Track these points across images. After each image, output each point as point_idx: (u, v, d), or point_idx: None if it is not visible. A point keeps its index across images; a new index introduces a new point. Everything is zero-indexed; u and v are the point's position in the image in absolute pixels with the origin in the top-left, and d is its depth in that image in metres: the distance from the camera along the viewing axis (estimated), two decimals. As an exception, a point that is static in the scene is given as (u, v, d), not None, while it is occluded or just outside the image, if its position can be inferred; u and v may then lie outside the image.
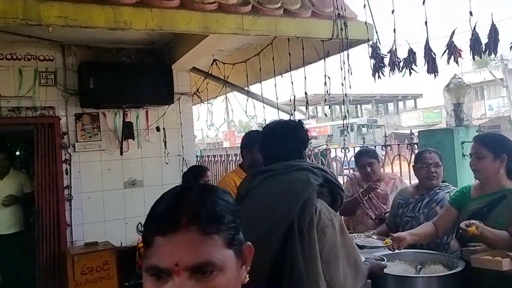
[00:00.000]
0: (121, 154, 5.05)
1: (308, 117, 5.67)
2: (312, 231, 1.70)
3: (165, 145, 5.23)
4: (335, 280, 1.70)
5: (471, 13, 2.45)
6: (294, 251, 1.66)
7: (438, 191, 3.01)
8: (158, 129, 5.20)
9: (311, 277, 1.65)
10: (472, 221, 2.26)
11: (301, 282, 1.64)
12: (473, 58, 2.56)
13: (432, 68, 2.78)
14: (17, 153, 6.91)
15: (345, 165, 4.33)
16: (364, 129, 21.26)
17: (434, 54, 2.77)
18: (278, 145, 1.93)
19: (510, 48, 2.38)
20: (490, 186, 2.49)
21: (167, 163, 5.21)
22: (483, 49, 2.51)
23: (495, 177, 2.45)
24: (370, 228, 3.40)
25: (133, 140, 5.07)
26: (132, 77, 4.77)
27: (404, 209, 3.15)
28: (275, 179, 1.85)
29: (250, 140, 3.28)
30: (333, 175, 1.94)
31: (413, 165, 3.23)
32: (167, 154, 5.23)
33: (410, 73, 3.05)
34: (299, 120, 2.05)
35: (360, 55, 3.88)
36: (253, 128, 6.24)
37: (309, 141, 2.04)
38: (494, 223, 2.35)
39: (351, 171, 4.16)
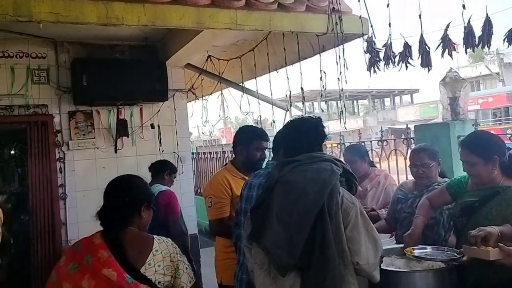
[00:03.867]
0: (116, 151, 5.01)
1: (305, 113, 5.64)
2: (338, 213, 1.99)
3: (160, 142, 5.19)
4: (359, 254, 1.98)
5: (464, 6, 2.43)
6: (325, 230, 1.95)
7: (436, 187, 2.98)
8: (152, 126, 5.16)
9: (338, 251, 1.96)
10: (481, 233, 2.16)
11: (331, 254, 1.93)
12: (466, 52, 2.54)
13: (426, 61, 2.75)
14: (12, 152, 6.86)
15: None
16: None
17: (428, 48, 2.75)
18: (302, 138, 2.19)
19: (503, 40, 2.36)
20: (485, 184, 2.50)
21: (162, 160, 5.18)
22: (477, 42, 2.49)
23: (490, 178, 2.45)
24: None
25: (128, 137, 5.03)
26: (126, 74, 4.73)
27: (402, 204, 3.13)
28: (303, 168, 2.10)
29: (245, 136, 3.18)
30: (349, 166, 2.22)
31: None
32: (162, 151, 5.19)
33: (407, 67, 3.03)
34: (319, 117, 2.29)
35: (356, 49, 3.86)
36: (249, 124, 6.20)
37: (326, 137, 2.29)
38: (484, 219, 2.35)
39: None
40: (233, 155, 3.45)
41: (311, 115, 2.35)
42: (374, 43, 3.42)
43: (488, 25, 2.52)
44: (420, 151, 3.14)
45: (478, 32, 2.55)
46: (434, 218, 2.88)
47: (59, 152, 4.79)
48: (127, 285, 1.81)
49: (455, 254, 2.40)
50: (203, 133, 7.21)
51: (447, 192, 2.68)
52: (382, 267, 2.42)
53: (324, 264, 1.94)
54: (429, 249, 2.59)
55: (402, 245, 2.66)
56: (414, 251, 2.51)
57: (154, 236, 2.00)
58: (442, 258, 2.41)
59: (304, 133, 2.20)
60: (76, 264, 1.87)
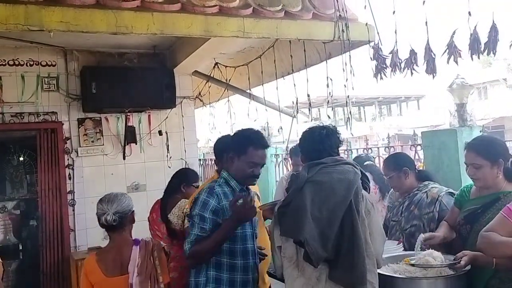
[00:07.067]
0: (124, 158, 5.04)
1: (311, 120, 5.67)
2: (362, 210, 2.21)
3: (168, 149, 5.22)
4: (375, 247, 2.23)
5: (469, 13, 2.44)
6: (354, 224, 2.15)
7: (416, 192, 3.00)
8: (160, 133, 5.20)
9: (364, 242, 2.16)
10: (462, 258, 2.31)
11: (360, 246, 2.12)
12: (471, 58, 2.54)
13: (431, 68, 2.76)
14: (21, 158, 6.93)
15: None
16: None
17: (434, 54, 2.75)
18: (324, 141, 2.37)
19: (510, 46, 2.36)
20: (488, 190, 2.50)
21: (169, 167, 5.20)
22: (482, 49, 2.49)
23: (494, 182, 2.46)
24: None
25: (136, 144, 5.07)
26: (134, 81, 4.78)
27: (390, 213, 3.20)
28: (328, 170, 2.28)
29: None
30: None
31: None
32: (170, 158, 5.22)
33: (412, 73, 3.04)
34: (335, 126, 2.50)
35: (363, 56, 3.88)
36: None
37: (342, 142, 2.50)
38: (486, 225, 2.34)
39: None
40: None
41: (328, 124, 2.53)
42: (381, 50, 3.44)
43: (494, 31, 2.52)
44: (383, 163, 3.25)
45: (485, 37, 2.55)
46: (415, 225, 2.89)
47: (68, 159, 4.83)
48: (158, 222, 3.41)
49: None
50: (210, 139, 7.22)
51: (455, 207, 2.69)
52: (390, 274, 2.44)
53: (353, 256, 2.12)
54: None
55: (411, 252, 2.66)
56: (411, 260, 2.50)
57: (183, 200, 3.34)
58: (440, 264, 2.39)
59: (326, 136, 2.39)
60: (152, 210, 3.57)
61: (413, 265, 2.44)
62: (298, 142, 2.67)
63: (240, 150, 2.50)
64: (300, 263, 2.21)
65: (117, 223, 2.45)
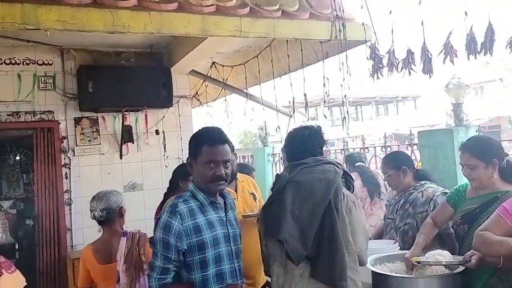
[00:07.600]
0: (121, 157, 5.04)
1: (308, 119, 5.69)
2: (342, 208, 2.26)
3: (165, 148, 5.22)
4: (357, 245, 2.27)
5: (466, 13, 2.44)
6: (334, 222, 2.20)
7: (412, 191, 3.03)
8: (157, 132, 5.20)
9: (344, 242, 2.21)
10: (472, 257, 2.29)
11: (339, 244, 2.17)
12: (468, 58, 2.54)
13: (428, 68, 2.77)
14: (17, 157, 6.92)
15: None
16: None
17: (431, 55, 2.76)
18: (307, 142, 2.42)
19: (506, 46, 2.37)
20: (485, 190, 2.51)
21: (166, 166, 5.20)
22: (479, 49, 2.50)
23: (490, 182, 2.47)
24: None
25: (133, 143, 5.07)
26: (131, 81, 4.77)
27: (387, 210, 3.24)
28: (309, 170, 2.34)
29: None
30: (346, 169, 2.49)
31: None
32: (167, 157, 5.22)
33: (410, 73, 3.05)
34: (319, 125, 2.53)
35: (359, 56, 3.89)
36: (253, 131, 6.21)
37: (326, 142, 2.53)
38: None
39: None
40: (238, 161, 3.41)
41: (312, 124, 2.56)
42: (377, 50, 3.44)
43: (490, 32, 2.53)
44: (382, 161, 3.26)
45: (481, 37, 2.56)
46: (409, 223, 2.90)
47: (64, 158, 4.82)
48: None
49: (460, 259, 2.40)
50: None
51: (448, 205, 2.68)
52: (386, 273, 2.45)
53: (332, 254, 2.17)
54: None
55: (406, 251, 2.67)
56: (418, 258, 2.50)
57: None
58: (449, 262, 2.40)
59: (308, 137, 2.44)
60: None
61: (419, 262, 2.45)
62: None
63: (196, 152, 2.23)
64: (284, 261, 2.27)
65: (104, 218, 2.80)
